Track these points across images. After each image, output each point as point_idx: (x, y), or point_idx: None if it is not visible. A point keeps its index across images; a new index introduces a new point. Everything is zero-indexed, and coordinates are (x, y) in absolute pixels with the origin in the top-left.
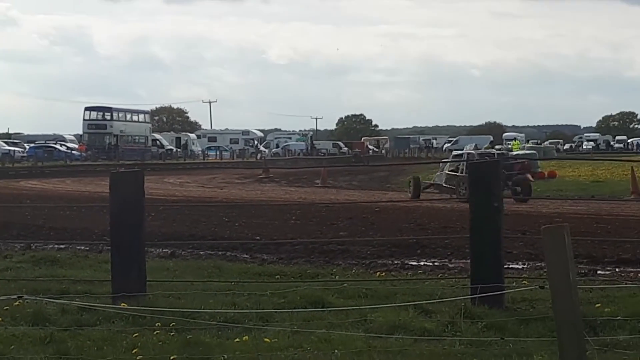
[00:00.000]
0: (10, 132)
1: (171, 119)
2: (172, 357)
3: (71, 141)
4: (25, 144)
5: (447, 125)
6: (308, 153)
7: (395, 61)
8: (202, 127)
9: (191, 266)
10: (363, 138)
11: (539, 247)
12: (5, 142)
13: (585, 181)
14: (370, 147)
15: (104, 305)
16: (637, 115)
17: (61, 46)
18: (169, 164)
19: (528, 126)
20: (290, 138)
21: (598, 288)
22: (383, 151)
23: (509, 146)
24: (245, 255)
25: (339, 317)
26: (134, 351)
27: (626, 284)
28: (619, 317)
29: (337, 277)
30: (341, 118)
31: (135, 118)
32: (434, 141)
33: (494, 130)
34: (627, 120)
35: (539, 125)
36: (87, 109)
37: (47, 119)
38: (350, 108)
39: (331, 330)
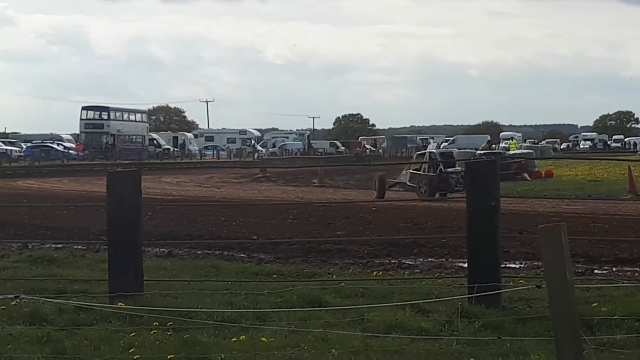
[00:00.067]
0: (7, 131)
1: (168, 118)
2: (169, 357)
3: (68, 140)
4: (22, 144)
5: (445, 125)
6: (305, 152)
7: (393, 61)
8: (200, 126)
9: (188, 265)
10: (360, 137)
11: (536, 246)
12: (2, 142)
13: (583, 180)
14: (368, 146)
15: (101, 304)
16: (634, 114)
17: (58, 45)
18: (166, 164)
19: (525, 125)
20: (287, 137)
21: (595, 287)
22: (380, 151)
23: (507, 145)
24: (243, 255)
25: (336, 316)
26: (131, 350)
27: (623, 283)
28: (616, 317)
29: (334, 276)
30: (338, 117)
31: (132, 117)
32: (431, 141)
33: (492, 129)
34: (624, 119)
35: (536, 125)
36: (84, 108)
37: (44, 119)
38: (348, 107)
39: (328, 330)
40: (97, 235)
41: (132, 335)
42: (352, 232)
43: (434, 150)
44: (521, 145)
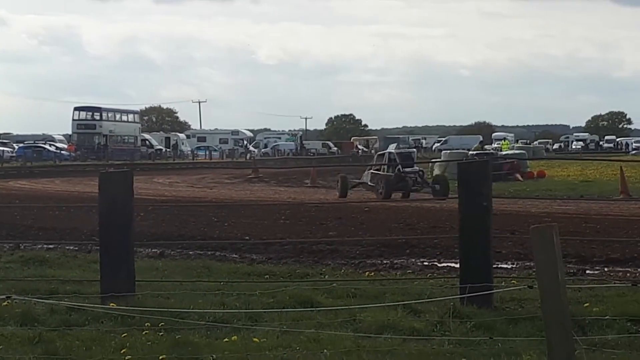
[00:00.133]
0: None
1: (161, 119)
2: (161, 357)
3: (60, 141)
4: (14, 144)
5: (437, 125)
6: (297, 153)
7: (385, 61)
8: (192, 127)
9: (180, 266)
10: (352, 138)
11: (528, 246)
12: None
13: (574, 181)
14: (360, 147)
15: (92, 305)
16: (626, 115)
17: (50, 46)
18: (158, 164)
19: (517, 126)
20: (279, 138)
21: (587, 287)
22: (372, 151)
23: (499, 146)
24: (235, 255)
25: (328, 317)
26: (122, 351)
27: (615, 283)
28: (607, 317)
29: (326, 277)
30: (331, 118)
31: (124, 118)
32: (424, 141)
33: (484, 130)
34: (617, 120)
35: (528, 125)
36: (76, 108)
37: (36, 119)
38: (340, 108)
39: (320, 330)
40: (89, 236)
41: (124, 336)
42: (344, 232)
43: (393, 151)
44: (513, 146)
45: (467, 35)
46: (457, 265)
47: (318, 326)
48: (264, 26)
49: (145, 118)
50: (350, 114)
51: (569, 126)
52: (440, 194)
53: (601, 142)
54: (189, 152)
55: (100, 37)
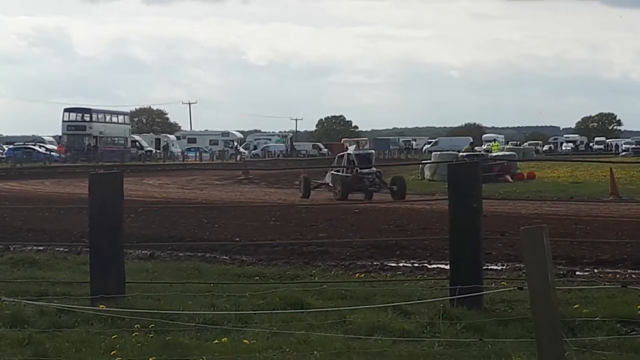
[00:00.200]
0: None
1: (151, 120)
2: (150, 359)
3: (50, 142)
4: (3, 145)
5: (427, 127)
6: (288, 154)
7: (374, 62)
8: (182, 128)
9: (170, 267)
10: (343, 139)
11: (518, 248)
12: None
13: (565, 182)
14: (350, 148)
15: (82, 307)
16: (616, 116)
17: (40, 47)
18: (148, 166)
19: (507, 127)
20: (270, 139)
21: (576, 289)
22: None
23: (489, 147)
24: (225, 257)
25: (318, 318)
26: (112, 353)
27: (604, 284)
28: (597, 318)
29: (316, 278)
30: (321, 119)
31: (114, 119)
32: (414, 142)
33: (474, 131)
34: (606, 121)
35: (518, 127)
36: (66, 110)
37: (25, 120)
38: (330, 109)
39: (310, 332)
40: (78, 238)
41: (114, 338)
42: (334, 234)
43: (351, 152)
44: (503, 147)
45: (457, 36)
46: (447, 267)
47: (308, 328)
48: (254, 27)
49: (136, 119)
50: (341, 116)
51: (559, 127)
52: (397, 194)
53: (591, 144)
54: (179, 154)
55: (90, 38)
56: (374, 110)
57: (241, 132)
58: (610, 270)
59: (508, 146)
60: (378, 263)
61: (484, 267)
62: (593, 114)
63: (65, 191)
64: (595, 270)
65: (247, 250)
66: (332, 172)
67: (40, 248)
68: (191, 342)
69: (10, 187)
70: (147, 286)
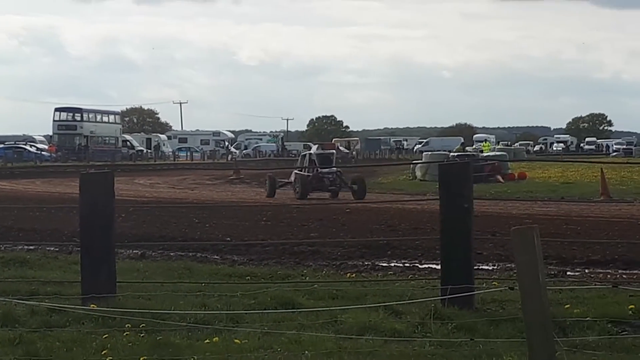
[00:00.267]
0: None
1: (142, 120)
2: (141, 358)
3: (41, 142)
4: None
5: (418, 127)
6: (279, 154)
7: (366, 62)
8: (173, 128)
9: (161, 267)
10: (334, 139)
11: (509, 248)
12: None
13: (555, 183)
14: (342, 148)
15: (73, 306)
16: (606, 117)
17: (31, 47)
18: (139, 165)
19: (499, 127)
20: (261, 139)
21: (567, 289)
22: (354, 152)
23: (480, 147)
24: (216, 257)
25: (309, 318)
26: (103, 352)
27: (595, 285)
28: (588, 318)
29: (307, 278)
30: (312, 119)
31: (105, 119)
32: (405, 142)
33: (465, 131)
34: (597, 122)
35: (509, 127)
36: (57, 109)
37: (16, 120)
38: (322, 109)
39: (301, 332)
40: (69, 237)
41: (105, 337)
42: (325, 234)
43: (312, 152)
44: (494, 148)
45: (448, 36)
46: (439, 267)
47: (299, 327)
48: (245, 27)
49: (126, 119)
50: (332, 116)
51: (549, 128)
52: (358, 194)
53: (582, 144)
54: (170, 153)
55: (81, 37)
56: (365, 110)
57: (232, 131)
58: (601, 271)
59: (499, 146)
60: (369, 263)
61: (475, 267)
62: (584, 115)
63: (56, 191)
64: (586, 271)
65: (238, 250)
66: (296, 171)
67: (31, 247)
68: (182, 341)
69: (1, 187)
70: (138, 286)
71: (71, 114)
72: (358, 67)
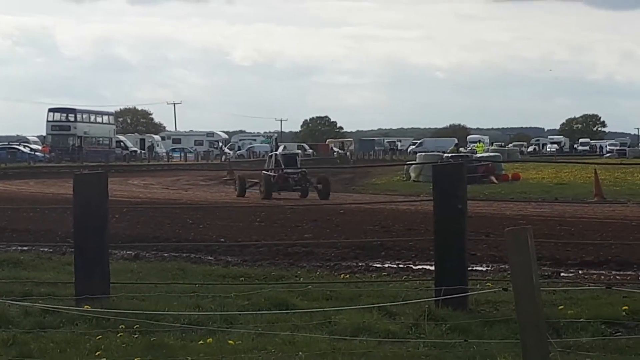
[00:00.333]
0: None
1: (135, 120)
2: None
3: (34, 142)
4: None
5: (412, 128)
6: None
7: (360, 63)
8: (167, 128)
9: (155, 268)
10: (328, 140)
11: (503, 249)
12: None
13: (549, 184)
14: (335, 149)
15: (67, 307)
16: (600, 118)
17: (24, 47)
18: (133, 166)
19: (492, 128)
20: (254, 140)
21: (561, 290)
22: (348, 153)
23: (474, 148)
24: (210, 257)
25: (303, 319)
26: (97, 353)
27: (589, 286)
28: (582, 319)
29: (301, 279)
30: (306, 120)
31: (99, 119)
32: (399, 143)
33: (459, 132)
34: (591, 123)
35: (503, 128)
36: (50, 110)
37: (10, 120)
38: (315, 110)
39: (295, 333)
40: (63, 238)
41: (99, 338)
42: (319, 234)
43: (278, 153)
44: (488, 148)
45: (442, 37)
46: (432, 268)
47: (293, 328)
48: (239, 27)
49: (120, 119)
50: (326, 116)
51: (543, 129)
52: (322, 194)
53: (575, 145)
54: (164, 154)
55: (75, 38)
56: (359, 111)
57: (226, 132)
58: (595, 272)
59: (493, 147)
60: (363, 264)
61: (469, 268)
62: (577, 116)
63: (50, 191)
64: (580, 272)
65: (232, 251)
66: (263, 171)
67: (25, 248)
68: (176, 342)
69: None
70: (132, 287)
71: (65, 115)
72: (352, 67)
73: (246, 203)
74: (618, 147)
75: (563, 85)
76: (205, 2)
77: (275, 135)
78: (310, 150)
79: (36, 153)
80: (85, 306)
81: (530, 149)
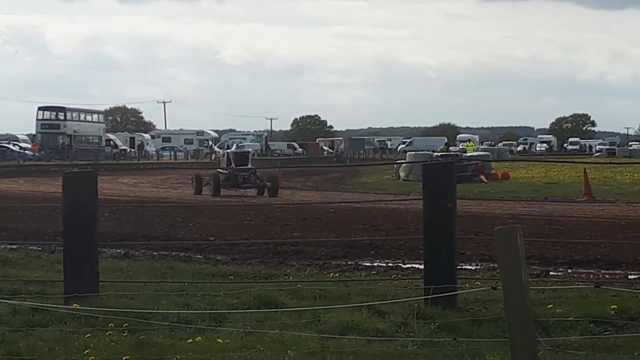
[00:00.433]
0: None
1: (125, 119)
2: (124, 358)
3: (24, 141)
4: None
5: (402, 127)
6: (263, 154)
7: (350, 62)
8: (157, 127)
9: (144, 267)
10: (318, 139)
11: (492, 248)
12: None
13: (539, 183)
14: (325, 148)
15: (56, 305)
16: (589, 117)
17: (14, 45)
18: (122, 165)
19: (482, 128)
20: (244, 139)
21: (550, 289)
22: (338, 152)
23: (464, 147)
24: (199, 256)
25: (292, 317)
26: (86, 352)
27: (578, 284)
28: (570, 318)
29: (290, 277)
30: (296, 119)
31: (89, 118)
32: (389, 142)
33: (449, 131)
34: (580, 122)
35: (493, 127)
36: (40, 108)
37: None
38: (305, 109)
39: (284, 331)
40: (52, 236)
41: (88, 337)
42: (308, 233)
43: (229, 151)
44: (478, 148)
45: (432, 36)
46: (422, 267)
47: (282, 327)
48: (229, 26)
49: (110, 118)
50: (316, 115)
51: (533, 128)
52: (272, 191)
53: (565, 144)
54: (154, 153)
55: (65, 36)
56: (349, 110)
57: (216, 131)
58: (584, 271)
59: (482, 146)
60: (352, 263)
61: (458, 267)
62: (567, 115)
63: (39, 190)
64: (569, 271)
65: (221, 250)
66: (217, 170)
67: (14, 247)
68: (165, 341)
69: None
70: (121, 285)
71: (54, 113)
72: (342, 67)
73: (236, 202)
74: (607, 147)
75: (553, 85)
76: (196, 1)
77: (265, 134)
78: (300, 149)
79: (26, 151)
80: (74, 304)
81: (520, 148)
